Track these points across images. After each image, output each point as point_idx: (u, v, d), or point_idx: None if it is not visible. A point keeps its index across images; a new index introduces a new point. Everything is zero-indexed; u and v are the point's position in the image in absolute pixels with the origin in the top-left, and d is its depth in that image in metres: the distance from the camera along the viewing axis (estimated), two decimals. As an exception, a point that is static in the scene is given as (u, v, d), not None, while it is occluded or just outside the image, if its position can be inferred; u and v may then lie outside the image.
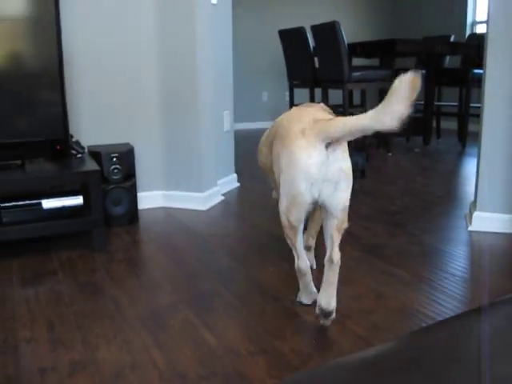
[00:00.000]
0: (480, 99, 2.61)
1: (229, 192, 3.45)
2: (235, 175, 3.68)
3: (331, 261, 1.62)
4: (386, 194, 3.33)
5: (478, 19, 6.80)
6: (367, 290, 1.90)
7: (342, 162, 1.57)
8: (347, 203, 1.66)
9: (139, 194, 2.92)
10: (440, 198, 3.20)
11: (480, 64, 2.68)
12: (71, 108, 2.72)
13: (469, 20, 6.83)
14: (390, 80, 4.95)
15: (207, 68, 3.03)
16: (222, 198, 3.28)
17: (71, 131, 2.62)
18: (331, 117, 1.65)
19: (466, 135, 5.17)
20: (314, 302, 1.71)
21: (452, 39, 5.78)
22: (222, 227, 2.70)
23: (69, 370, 1.41)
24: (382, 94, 5.35)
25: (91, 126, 2.90)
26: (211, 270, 2.12)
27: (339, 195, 1.61)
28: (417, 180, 3.73)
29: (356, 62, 5.51)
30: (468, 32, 6.75)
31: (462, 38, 6.35)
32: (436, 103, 5.70)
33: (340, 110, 4.47)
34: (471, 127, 5.25)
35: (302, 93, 6.07)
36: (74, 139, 2.67)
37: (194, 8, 2.85)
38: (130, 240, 2.51)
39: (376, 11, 8.06)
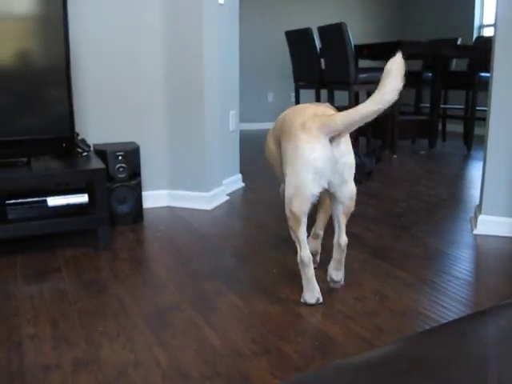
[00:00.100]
0: (486, 102, 2.61)
1: (234, 192, 3.45)
2: (240, 175, 3.68)
3: (339, 245, 1.82)
4: (390, 196, 3.32)
5: (485, 22, 6.78)
6: (371, 291, 1.90)
7: (346, 155, 1.69)
8: (354, 190, 1.79)
9: (144, 193, 2.92)
10: (445, 201, 3.20)
11: (487, 67, 2.67)
12: (77, 106, 2.73)
13: (476, 23, 6.82)
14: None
15: (214, 68, 3.03)
16: (227, 197, 3.28)
17: (77, 129, 2.62)
18: (333, 112, 1.72)
19: (472, 138, 5.16)
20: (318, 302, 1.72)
21: (459, 42, 5.77)
22: (226, 227, 2.70)
23: (72, 367, 1.41)
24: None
25: (97, 124, 2.91)
26: (215, 269, 2.13)
27: (347, 185, 1.74)
28: (422, 183, 3.73)
29: (362, 63, 5.50)
30: (475, 35, 6.73)
31: (469, 41, 6.34)
32: (442, 106, 5.69)
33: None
34: (477, 130, 5.24)
35: (307, 94, 6.07)
36: (79, 137, 2.67)
37: (201, 8, 2.85)
38: (135, 238, 2.52)
39: (383, 13, 8.05)
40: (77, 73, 2.76)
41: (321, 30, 4.93)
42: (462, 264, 2.17)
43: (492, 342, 0.66)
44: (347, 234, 2.56)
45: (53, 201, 2.34)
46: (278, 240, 2.45)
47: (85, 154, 2.61)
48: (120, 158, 2.66)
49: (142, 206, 2.78)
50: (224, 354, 1.48)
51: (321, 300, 1.78)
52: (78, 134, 2.62)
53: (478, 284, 1.99)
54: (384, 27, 8.05)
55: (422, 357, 0.65)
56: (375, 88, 1.60)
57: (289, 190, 1.71)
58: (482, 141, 2.66)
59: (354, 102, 4.96)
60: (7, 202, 2.29)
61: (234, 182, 3.55)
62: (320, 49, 5.19)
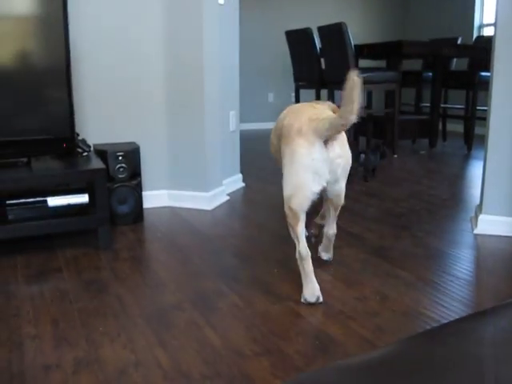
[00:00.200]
0: (487, 102, 2.61)
1: (234, 192, 3.45)
2: (240, 175, 3.68)
3: (327, 235, 2.10)
4: (391, 196, 3.32)
5: (485, 22, 6.78)
6: (372, 291, 1.89)
7: (341, 156, 1.80)
8: (343, 191, 1.92)
9: (144, 193, 2.92)
10: (445, 201, 3.19)
11: (487, 66, 2.67)
12: (78, 106, 2.73)
13: (476, 22, 6.82)
14: (397, 82, 4.98)
15: (214, 68, 3.03)
16: (227, 197, 3.28)
17: (77, 129, 2.62)
18: (327, 114, 1.80)
19: (473, 138, 5.16)
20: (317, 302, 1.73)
21: (459, 41, 5.77)
22: (226, 227, 2.70)
23: (73, 368, 1.41)
24: (388, 96, 5.35)
25: (97, 124, 2.91)
26: (216, 269, 2.13)
27: (338, 184, 1.87)
28: (422, 182, 3.72)
29: (362, 63, 5.50)
30: (475, 34, 6.73)
31: (469, 41, 6.34)
32: (442, 106, 5.69)
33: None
34: (477, 130, 5.24)
35: (308, 94, 6.07)
36: (80, 137, 2.67)
37: (201, 8, 2.85)
38: (135, 239, 2.52)
39: (383, 13, 8.05)
40: (77, 73, 2.76)
41: (321, 29, 4.93)
42: (462, 264, 2.17)
43: (492, 343, 0.66)
44: (347, 233, 2.57)
45: (53, 201, 2.34)
46: (279, 240, 2.45)
47: (85, 154, 2.61)
48: (120, 158, 2.66)
49: (142, 206, 2.78)
50: (225, 354, 1.48)
51: (321, 299, 1.80)
52: (78, 134, 2.62)
53: (479, 284, 1.98)
54: (384, 27, 8.06)
55: (423, 357, 0.65)
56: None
57: (287, 188, 1.80)
58: (483, 140, 2.66)
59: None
60: (8, 202, 2.30)
61: (235, 182, 3.55)
62: (320, 49, 5.19)
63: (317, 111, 1.82)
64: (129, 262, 2.21)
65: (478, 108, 4.99)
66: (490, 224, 2.54)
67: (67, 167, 2.40)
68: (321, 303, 1.80)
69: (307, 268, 1.81)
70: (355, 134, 5.57)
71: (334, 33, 4.66)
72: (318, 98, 5.44)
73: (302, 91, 5.75)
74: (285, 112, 1.99)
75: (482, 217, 2.56)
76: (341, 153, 1.79)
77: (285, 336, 1.58)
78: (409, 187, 3.57)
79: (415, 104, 6.17)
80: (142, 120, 3.01)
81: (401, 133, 4.99)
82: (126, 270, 2.12)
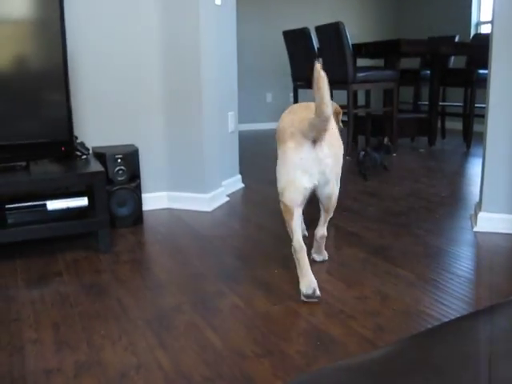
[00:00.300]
0: (485, 99, 2.61)
1: (233, 193, 3.45)
2: (240, 176, 3.68)
3: (316, 236, 2.12)
4: (390, 194, 3.32)
5: (482, 19, 6.78)
6: (372, 291, 1.89)
7: (330, 157, 1.83)
8: (334, 192, 1.94)
9: (144, 195, 2.92)
10: (445, 199, 3.19)
11: (485, 64, 2.67)
12: (76, 109, 2.73)
13: (473, 20, 6.82)
14: (395, 80, 4.99)
15: (211, 69, 3.03)
16: (227, 198, 3.28)
17: (76, 132, 2.62)
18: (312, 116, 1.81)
19: (471, 135, 5.16)
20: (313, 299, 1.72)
21: (457, 39, 5.77)
22: (226, 228, 2.70)
23: (74, 371, 1.41)
24: (386, 94, 5.35)
25: (96, 127, 2.91)
26: (216, 271, 2.13)
27: (329, 186, 1.89)
28: (422, 180, 3.73)
29: (360, 62, 5.50)
30: (473, 32, 6.74)
31: (466, 39, 6.34)
32: (441, 103, 5.69)
33: (344, 111, 4.46)
34: (476, 127, 5.24)
35: (306, 94, 6.07)
36: (78, 140, 2.67)
37: (198, 9, 2.85)
38: (135, 241, 2.52)
39: (380, 12, 8.05)
40: (75, 76, 2.76)
41: (318, 29, 4.92)
42: (462, 262, 2.17)
43: (492, 341, 0.66)
44: (347, 233, 2.57)
45: (52, 204, 2.34)
46: (279, 240, 2.45)
47: (84, 157, 2.61)
48: (119, 160, 2.66)
49: (141, 208, 2.78)
50: (226, 356, 1.48)
51: (318, 292, 1.81)
52: (76, 138, 2.62)
53: (479, 282, 1.98)
54: (382, 26, 8.06)
55: (423, 357, 0.65)
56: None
57: (280, 185, 1.88)
58: (482, 138, 2.66)
59: (353, 100, 4.96)
60: (7, 206, 2.30)
61: (234, 183, 3.55)
62: (318, 48, 5.19)
63: (308, 112, 1.84)
64: (129, 264, 2.21)
65: (477, 105, 4.99)
66: (489, 221, 2.54)
67: (66, 170, 2.40)
68: (318, 298, 1.81)
69: (302, 261, 1.85)
70: (354, 134, 5.57)
71: (332, 32, 4.66)
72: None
73: (300, 91, 5.75)
74: (284, 113, 2.02)
75: (481, 214, 2.56)
76: (329, 153, 1.83)
77: (285, 336, 1.58)
78: (408, 185, 3.57)
79: (413, 102, 6.17)
80: (141, 122, 3.01)
81: (400, 131, 4.99)
82: (127, 272, 2.12)
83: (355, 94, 5.33)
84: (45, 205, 2.33)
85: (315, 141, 1.80)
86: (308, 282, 1.82)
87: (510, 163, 2.49)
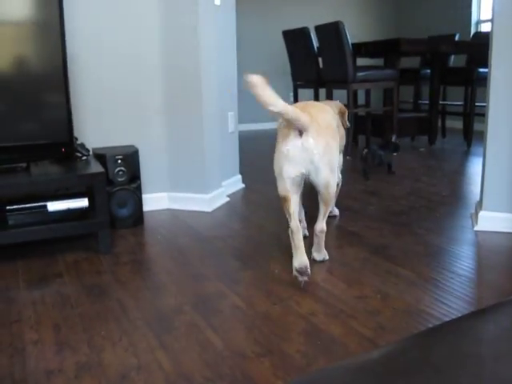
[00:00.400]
0: (485, 98, 2.60)
1: (234, 193, 3.45)
2: (240, 176, 3.68)
3: (315, 232, 2.14)
4: (391, 193, 3.32)
5: (482, 18, 6.78)
6: (373, 290, 1.89)
7: (316, 146, 1.94)
8: (328, 180, 2.01)
9: (144, 196, 2.92)
10: (445, 198, 3.19)
11: (485, 63, 2.66)
12: (76, 110, 2.73)
13: (473, 19, 6.81)
14: (395, 79, 5.00)
15: (211, 69, 3.03)
16: (227, 199, 3.28)
17: (76, 134, 2.62)
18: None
19: (472, 134, 5.15)
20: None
21: (457, 38, 5.76)
22: (227, 228, 2.70)
23: (75, 372, 1.41)
24: (386, 94, 5.35)
25: (96, 128, 2.91)
26: (216, 271, 2.13)
27: (321, 174, 1.97)
28: (422, 180, 3.72)
29: (360, 61, 5.50)
30: (473, 31, 6.73)
31: (466, 37, 6.34)
32: (441, 102, 5.68)
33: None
34: (477, 126, 5.23)
35: (306, 93, 6.07)
36: (78, 142, 2.67)
37: (198, 9, 2.85)
38: (136, 242, 2.52)
39: (380, 11, 8.05)
40: (74, 77, 2.76)
41: (318, 28, 4.92)
42: (463, 261, 2.17)
43: (492, 341, 0.66)
44: (347, 232, 2.57)
45: (53, 206, 2.34)
46: (279, 240, 2.45)
47: (84, 158, 2.61)
48: (119, 161, 2.66)
49: (142, 209, 2.78)
50: (227, 356, 1.48)
51: (309, 270, 1.92)
52: (76, 139, 2.62)
53: (480, 281, 1.98)
54: (381, 25, 8.05)
55: (424, 356, 0.65)
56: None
57: (275, 175, 2.04)
58: (482, 136, 2.66)
59: (353, 100, 4.96)
60: (7, 207, 2.30)
61: (234, 183, 3.55)
62: (318, 48, 5.19)
63: (304, 107, 2.01)
64: (129, 265, 2.21)
65: (477, 104, 4.98)
66: (490, 220, 2.53)
67: (66, 172, 2.40)
68: (308, 276, 1.91)
69: (297, 242, 1.96)
70: (354, 133, 5.56)
71: (332, 32, 4.66)
72: (316, 96, 5.45)
73: (300, 90, 5.75)
74: None
75: (482, 213, 2.56)
76: (315, 142, 1.94)
77: (286, 336, 1.58)
78: (409, 185, 3.57)
79: (414, 101, 6.17)
80: (141, 123, 3.01)
81: (400, 130, 4.99)
82: (127, 273, 2.12)
83: (355, 94, 5.32)
84: (45, 206, 2.34)
85: (301, 132, 1.93)
86: (301, 259, 1.93)
87: (510, 162, 2.48)
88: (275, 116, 1.91)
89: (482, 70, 4.87)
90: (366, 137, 5.46)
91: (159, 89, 3.01)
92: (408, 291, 1.88)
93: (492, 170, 2.53)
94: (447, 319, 1.64)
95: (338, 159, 2.11)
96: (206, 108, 2.98)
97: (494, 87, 2.47)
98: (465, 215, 2.81)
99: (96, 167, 2.43)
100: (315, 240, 2.17)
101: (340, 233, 2.59)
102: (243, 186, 3.66)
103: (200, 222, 2.83)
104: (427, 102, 5.48)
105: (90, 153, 2.71)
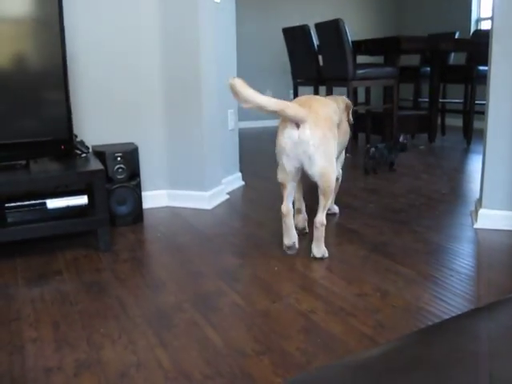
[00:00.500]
0: (485, 96, 2.60)
1: (233, 191, 3.45)
2: (240, 174, 3.67)
3: (315, 225, 2.16)
4: (390, 191, 3.32)
5: (482, 16, 6.77)
6: (372, 288, 1.89)
7: (312, 138, 2.02)
8: (325, 171, 2.07)
9: (144, 194, 2.92)
10: (445, 196, 3.19)
11: (485, 61, 2.66)
12: (75, 108, 2.73)
13: (473, 16, 6.81)
14: (395, 77, 5.01)
15: (211, 67, 3.03)
16: (227, 196, 3.28)
17: (75, 131, 2.62)
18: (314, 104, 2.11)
19: (471, 132, 5.15)
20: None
21: (457, 36, 5.76)
22: (226, 226, 2.70)
23: (74, 370, 1.41)
24: (386, 91, 5.34)
25: (95, 125, 2.90)
26: (216, 269, 2.12)
27: (314, 164, 2.05)
28: (422, 177, 3.72)
29: (360, 59, 5.49)
30: (473, 28, 6.72)
31: (466, 35, 6.33)
32: (441, 100, 5.68)
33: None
34: (476, 124, 5.23)
35: (306, 91, 6.06)
36: (78, 139, 2.67)
37: (197, 7, 2.85)
38: (135, 239, 2.52)
39: (380, 8, 8.04)
40: (74, 74, 2.76)
41: (318, 26, 4.92)
42: (463, 258, 2.17)
43: (491, 339, 0.65)
44: (347, 230, 2.57)
45: (52, 203, 2.34)
46: (279, 238, 2.45)
47: (83, 155, 2.61)
48: (119, 158, 2.66)
49: (141, 206, 2.78)
50: (226, 354, 1.48)
51: (297, 245, 2.22)
52: (76, 136, 2.62)
53: (479, 278, 1.98)
54: (381, 22, 8.04)
55: (423, 354, 0.65)
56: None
57: (277, 160, 2.16)
58: (482, 134, 2.66)
59: (353, 98, 4.96)
60: (6, 205, 2.29)
61: (234, 181, 3.55)
62: (318, 45, 5.18)
63: (306, 101, 2.11)
64: (129, 262, 2.21)
65: (477, 102, 4.98)
66: (489, 218, 2.53)
67: (66, 169, 2.40)
68: (296, 250, 2.21)
69: (288, 222, 2.19)
70: (354, 131, 5.56)
71: (332, 29, 4.65)
72: (316, 94, 5.44)
73: (300, 88, 5.74)
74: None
75: (481, 211, 2.56)
76: (311, 134, 2.02)
77: (286, 334, 1.58)
78: (408, 182, 3.57)
79: (414, 99, 6.17)
80: (140, 120, 3.00)
81: (400, 128, 4.99)
82: (127, 271, 2.12)
83: (355, 91, 5.32)
84: (45, 203, 2.33)
85: (298, 124, 2.03)
86: (289, 236, 2.21)
87: (510, 160, 2.48)
88: (264, 111, 1.99)
89: (481, 67, 4.87)
90: (365, 135, 5.46)
91: (159, 86, 3.00)
92: (407, 289, 1.88)
93: (492, 168, 2.53)
94: (447, 317, 1.64)
95: (335, 151, 2.16)
96: (205, 105, 2.98)
97: (494, 85, 2.47)
98: (464, 213, 2.81)
99: (95, 164, 2.43)
100: (315, 233, 2.17)
101: (339, 230, 2.59)
102: (243, 183, 3.65)
103: (200, 219, 2.82)
104: (427, 99, 5.48)
105: (90, 150, 2.71)
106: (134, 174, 2.74)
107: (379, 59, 5.77)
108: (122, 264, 2.19)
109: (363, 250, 2.29)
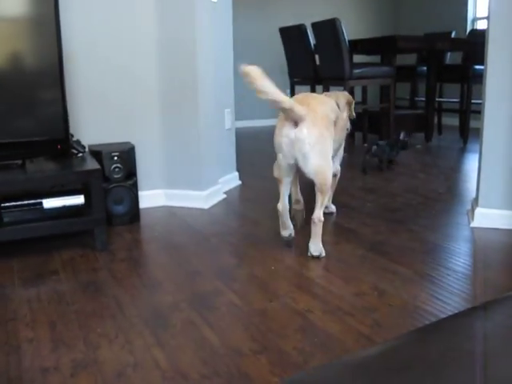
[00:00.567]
0: (481, 95, 2.61)
1: (230, 190, 3.45)
2: (237, 173, 3.67)
3: (313, 221, 2.17)
4: (387, 190, 3.32)
5: (478, 15, 6.78)
6: (369, 287, 1.89)
7: (306, 137, 2.04)
8: (321, 169, 2.10)
9: (140, 193, 2.91)
10: (442, 195, 3.20)
11: (481, 60, 2.67)
12: (71, 107, 2.72)
13: (470, 16, 6.82)
14: (392, 76, 5.02)
15: (208, 66, 3.02)
16: (224, 196, 3.27)
17: (72, 130, 2.61)
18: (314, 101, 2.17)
19: (468, 131, 5.16)
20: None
21: (453, 35, 5.76)
22: (223, 225, 2.70)
23: (71, 370, 1.40)
24: (383, 91, 5.35)
25: (92, 125, 2.90)
26: (213, 268, 2.12)
27: (309, 162, 2.07)
28: (418, 177, 3.73)
29: (357, 58, 5.49)
30: (469, 28, 6.73)
31: (463, 34, 6.34)
32: (437, 100, 5.69)
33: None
34: (473, 123, 5.24)
35: (303, 90, 6.05)
36: (74, 138, 2.66)
37: (194, 6, 2.84)
38: (132, 239, 2.51)
39: (377, 8, 8.04)
40: (70, 74, 2.75)
41: (315, 25, 4.92)
42: (459, 257, 2.17)
43: (487, 338, 0.66)
44: (344, 229, 2.57)
45: (49, 203, 2.33)
46: (276, 237, 2.45)
47: (80, 154, 2.60)
48: (115, 158, 2.65)
49: (138, 206, 2.78)
50: (223, 353, 1.48)
51: (293, 235, 2.32)
52: (72, 135, 2.61)
53: (476, 277, 1.99)
54: (378, 22, 8.05)
55: (420, 353, 0.65)
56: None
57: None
58: (478, 134, 2.66)
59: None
60: (2, 205, 2.28)
61: (231, 180, 3.55)
62: (314, 45, 5.18)
63: (305, 99, 2.16)
64: (126, 262, 2.21)
65: (473, 101, 4.99)
66: (486, 217, 2.54)
67: (62, 168, 2.39)
68: (293, 239, 2.30)
69: (285, 217, 2.29)
70: (351, 130, 5.56)
71: (328, 29, 4.65)
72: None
73: (296, 87, 5.74)
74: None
75: (478, 210, 2.56)
76: (308, 132, 2.05)
77: (283, 333, 1.58)
78: (405, 181, 3.57)
79: (410, 98, 6.17)
80: (137, 120, 3.00)
81: (396, 127, 4.99)
82: (123, 270, 2.12)
83: (352, 91, 5.32)
84: (41, 203, 2.33)
85: (297, 123, 2.06)
86: (287, 229, 2.31)
87: (506, 159, 2.49)
88: (273, 105, 2.03)
89: (477, 67, 4.87)
90: (362, 134, 5.46)
91: (156, 85, 3.00)
92: (404, 288, 1.88)
93: (488, 167, 2.53)
94: (443, 316, 1.65)
95: (331, 148, 2.19)
96: (202, 105, 2.97)
97: (490, 84, 2.47)
98: (461, 212, 2.81)
99: (92, 164, 2.43)
100: (312, 230, 2.18)
101: (337, 229, 2.59)
102: (240, 182, 3.65)
103: (196, 219, 2.82)
104: (424, 99, 5.48)
105: (86, 149, 2.70)
106: (130, 173, 2.73)
107: (376, 58, 5.77)
108: (119, 264, 2.19)
109: (360, 249, 2.30)
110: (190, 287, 1.93)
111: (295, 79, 5.69)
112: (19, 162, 2.38)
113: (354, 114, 2.74)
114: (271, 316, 1.69)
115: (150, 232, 2.62)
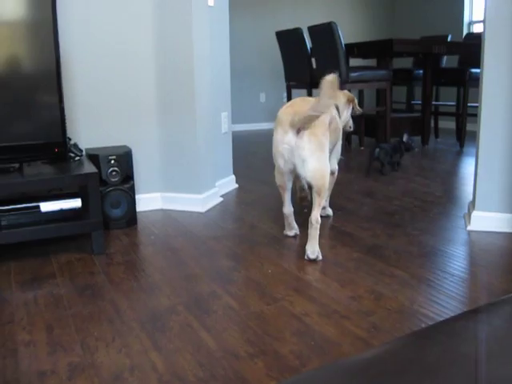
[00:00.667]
0: (478, 98, 2.62)
1: (227, 193, 3.45)
2: (233, 176, 3.67)
3: (310, 222, 2.20)
4: (384, 194, 3.33)
5: (474, 19, 6.81)
6: (366, 290, 1.90)
7: (306, 144, 2.12)
8: (319, 173, 2.16)
9: (137, 196, 2.91)
10: (439, 198, 3.20)
11: (477, 63, 2.68)
12: (69, 111, 2.72)
13: (466, 19, 6.84)
14: (388, 80, 5.03)
15: (204, 70, 3.03)
16: (221, 199, 3.28)
17: (69, 134, 2.61)
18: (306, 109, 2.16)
19: (465, 135, 5.18)
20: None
21: (449, 39, 5.79)
22: (220, 229, 2.70)
23: (68, 374, 1.40)
24: (379, 94, 5.36)
25: (89, 128, 2.90)
26: (210, 271, 2.12)
27: (308, 167, 2.14)
28: (415, 180, 3.73)
29: (353, 62, 5.51)
30: (465, 31, 6.76)
31: (459, 38, 6.36)
32: (434, 103, 5.70)
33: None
34: (469, 127, 5.26)
35: (299, 93, 6.07)
36: (71, 142, 2.66)
37: (191, 10, 2.85)
38: (129, 242, 2.51)
39: (373, 12, 8.07)
40: (68, 77, 2.75)
41: (311, 29, 4.93)
42: (456, 261, 2.17)
43: (485, 341, 0.66)
44: (341, 232, 2.58)
45: (46, 206, 2.33)
46: (272, 240, 2.45)
47: (77, 158, 2.60)
48: (112, 161, 2.65)
49: (135, 209, 2.78)
50: (220, 357, 1.48)
51: (298, 232, 2.49)
52: (69, 139, 2.61)
53: (473, 280, 1.99)
54: (374, 25, 8.07)
55: (417, 356, 0.65)
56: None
57: (274, 162, 2.29)
58: (475, 137, 2.67)
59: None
60: (0, 208, 2.28)
61: (228, 184, 3.55)
62: (311, 48, 5.19)
63: (306, 105, 2.17)
64: (123, 266, 2.20)
65: (470, 105, 5.01)
66: (483, 220, 2.55)
67: (59, 172, 2.39)
68: (297, 235, 2.45)
69: (290, 220, 2.48)
70: (348, 133, 5.57)
71: (325, 32, 4.67)
72: (309, 97, 5.45)
73: (293, 91, 5.76)
74: (285, 105, 2.35)
75: (475, 213, 2.57)
76: (309, 140, 2.12)
77: (279, 337, 1.58)
78: (402, 185, 3.58)
79: (407, 102, 6.19)
80: (134, 123, 3.00)
81: (393, 131, 5.00)
82: (120, 274, 2.11)
83: (348, 94, 5.33)
84: (38, 206, 2.32)
85: (299, 130, 2.12)
86: (291, 229, 2.49)
87: (503, 162, 2.50)
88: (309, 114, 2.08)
89: (474, 70, 4.90)
90: (359, 137, 5.47)
91: (153, 89, 3.00)
92: (401, 291, 1.88)
93: (484, 171, 2.54)
94: (440, 319, 1.65)
95: (327, 154, 2.24)
96: (199, 108, 2.98)
97: (486, 88, 2.48)
98: (458, 215, 2.82)
99: (89, 167, 2.43)
100: (309, 232, 2.20)
101: (333, 233, 2.59)
102: (237, 186, 3.65)
103: (193, 222, 2.82)
104: (420, 102, 5.50)
105: (83, 153, 2.70)
106: (127, 176, 2.73)
107: (372, 62, 5.79)
108: (116, 267, 2.19)
109: (357, 252, 2.30)
110: (187, 290, 1.93)
111: (292, 83, 5.70)
112: (16, 165, 2.38)
113: (359, 108, 2.79)
114: (268, 319, 1.70)
115: (146, 235, 2.62)
